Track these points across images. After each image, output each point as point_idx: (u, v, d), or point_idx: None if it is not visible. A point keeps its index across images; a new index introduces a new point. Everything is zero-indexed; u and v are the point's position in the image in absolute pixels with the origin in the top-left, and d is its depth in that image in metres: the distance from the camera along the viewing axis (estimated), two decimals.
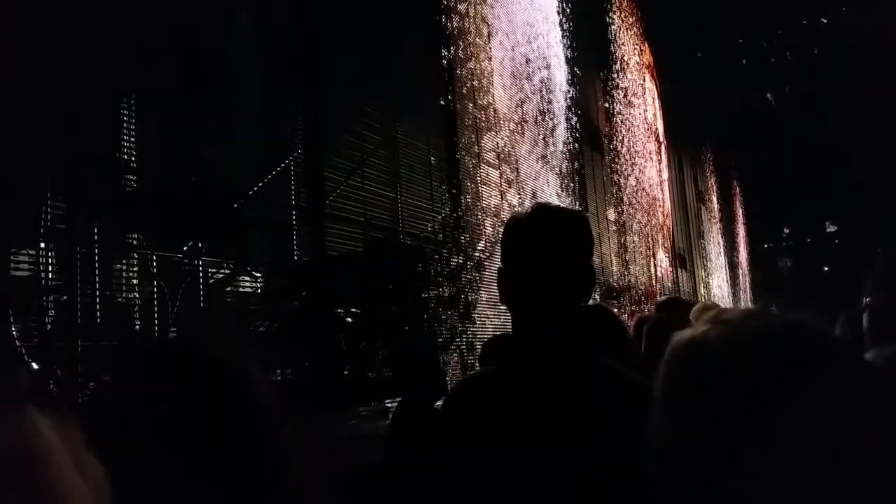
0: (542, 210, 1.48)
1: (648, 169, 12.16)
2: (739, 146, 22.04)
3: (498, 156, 6.40)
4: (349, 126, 4.69)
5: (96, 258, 2.92)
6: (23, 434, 0.59)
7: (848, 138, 19.44)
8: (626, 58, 11.47)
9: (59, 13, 2.75)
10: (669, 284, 12.83)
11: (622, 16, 11.52)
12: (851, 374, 0.77)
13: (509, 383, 1.42)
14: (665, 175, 13.77)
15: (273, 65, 4.27)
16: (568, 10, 8.46)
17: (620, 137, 10.68)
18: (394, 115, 5.20)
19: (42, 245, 2.74)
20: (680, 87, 15.83)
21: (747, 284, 21.49)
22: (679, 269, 14.03)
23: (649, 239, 11.65)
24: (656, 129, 13.48)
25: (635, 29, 12.36)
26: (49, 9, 2.71)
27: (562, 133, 7.97)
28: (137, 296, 3.16)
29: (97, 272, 2.91)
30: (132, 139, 3.16)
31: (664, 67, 14.37)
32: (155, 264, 3.26)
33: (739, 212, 22.31)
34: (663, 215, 13.06)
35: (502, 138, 6.48)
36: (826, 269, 24.29)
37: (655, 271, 11.80)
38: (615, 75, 10.78)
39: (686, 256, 15.12)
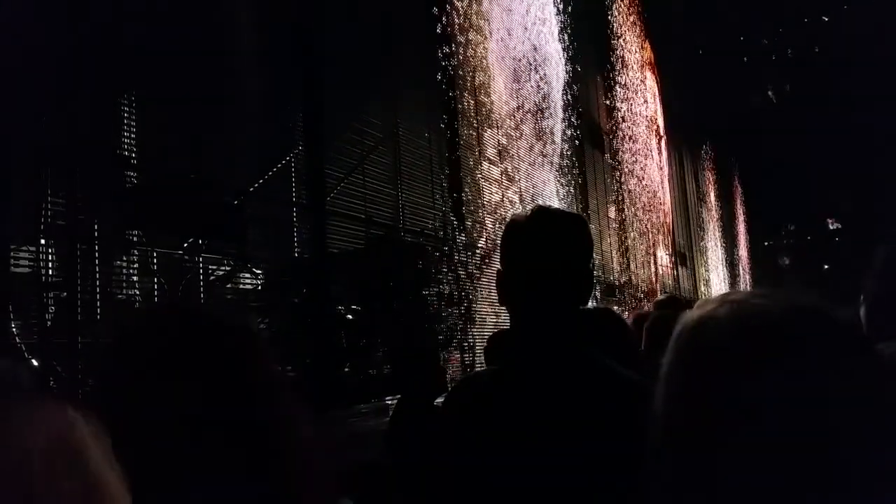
0: (542, 212, 1.49)
1: (649, 166, 12.16)
2: (740, 143, 22.03)
3: (499, 153, 6.40)
4: (350, 122, 4.68)
5: (96, 255, 2.91)
6: (63, 425, 0.59)
7: (848, 135, 19.42)
8: (626, 55, 11.45)
9: (59, 9, 2.74)
10: (670, 282, 12.83)
11: (623, 12, 11.50)
12: (854, 353, 0.76)
13: (509, 383, 1.42)
14: (665, 172, 13.76)
15: (274, 61, 4.26)
16: (569, 7, 8.45)
17: (621, 134, 10.68)
18: (395, 111, 5.19)
19: (42, 241, 2.73)
20: (681, 84, 15.81)
21: (748, 282, 21.50)
22: (679, 267, 14.04)
23: (650, 236, 11.65)
24: (657, 126, 13.48)
25: (636, 25, 12.34)
26: (49, 4, 2.71)
27: (562, 130, 7.96)
28: (138, 292, 3.16)
29: (97, 269, 2.91)
30: (132, 135, 3.15)
31: (665, 64, 14.36)
32: (155, 261, 3.26)
33: (740, 209, 22.32)
34: (664, 213, 13.06)
35: (503, 135, 6.48)
36: (826, 266, 24.29)
37: (656, 269, 11.80)
38: (616, 72, 10.78)
39: (686, 254, 15.13)
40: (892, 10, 15.20)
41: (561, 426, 1.31)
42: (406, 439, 2.69)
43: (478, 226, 5.84)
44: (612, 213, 9.97)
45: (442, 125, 5.64)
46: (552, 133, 7.64)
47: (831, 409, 0.71)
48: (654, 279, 11.52)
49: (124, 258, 3.11)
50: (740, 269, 21.25)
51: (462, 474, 1.37)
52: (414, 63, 5.45)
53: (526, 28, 7.19)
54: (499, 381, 1.46)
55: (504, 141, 6.48)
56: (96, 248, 2.92)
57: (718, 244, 18.56)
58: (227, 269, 3.73)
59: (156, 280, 3.26)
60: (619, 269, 9.81)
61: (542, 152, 7.33)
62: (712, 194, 18.99)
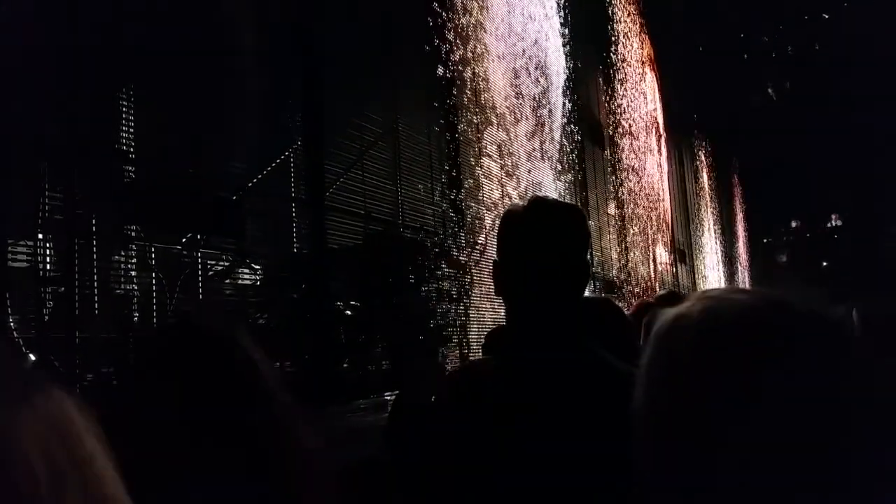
0: (539, 203, 1.49)
1: (649, 163, 12.15)
2: (740, 141, 22.03)
3: (499, 149, 6.39)
4: (349, 118, 4.67)
5: (94, 249, 2.91)
6: (61, 409, 0.59)
7: (848, 135, 19.42)
8: (626, 51, 11.44)
9: (58, 4, 2.73)
10: (669, 279, 12.84)
11: (623, 8, 11.48)
12: (836, 350, 0.74)
13: (504, 375, 1.42)
14: (665, 169, 13.76)
15: (273, 56, 4.25)
16: (568, 3, 8.44)
17: (621, 131, 10.67)
18: (394, 107, 5.18)
19: (40, 236, 2.73)
20: (681, 82, 15.80)
21: (746, 279, 21.52)
22: (679, 264, 14.04)
23: (649, 233, 11.65)
24: (657, 122, 13.47)
25: (636, 22, 12.33)
26: (49, 4, 2.70)
27: (562, 126, 7.95)
28: (136, 287, 3.15)
29: (95, 263, 2.90)
30: (131, 130, 3.15)
31: (665, 62, 14.34)
32: (153, 256, 3.26)
33: (738, 206, 22.32)
34: (663, 210, 13.06)
35: (503, 131, 6.47)
36: (825, 263, 24.32)
37: (655, 265, 11.81)
38: (616, 69, 10.76)
39: (685, 251, 15.13)
40: (892, 9, 15.20)
41: (554, 419, 1.30)
42: (404, 435, 2.69)
43: (477, 222, 5.83)
44: (611, 209, 9.97)
45: (441, 121, 5.63)
46: (552, 130, 7.63)
47: (812, 406, 0.69)
48: (653, 276, 11.52)
49: (122, 253, 3.11)
50: (739, 266, 21.26)
51: (457, 466, 1.36)
52: (414, 61, 5.43)
53: (526, 24, 7.18)
54: (493, 373, 1.46)
55: (504, 137, 6.47)
56: (94, 242, 2.92)
57: (718, 242, 18.57)
58: (226, 264, 3.73)
59: (154, 275, 3.25)
60: (618, 265, 9.81)
61: (542, 149, 7.32)
62: (712, 191, 18.99)
